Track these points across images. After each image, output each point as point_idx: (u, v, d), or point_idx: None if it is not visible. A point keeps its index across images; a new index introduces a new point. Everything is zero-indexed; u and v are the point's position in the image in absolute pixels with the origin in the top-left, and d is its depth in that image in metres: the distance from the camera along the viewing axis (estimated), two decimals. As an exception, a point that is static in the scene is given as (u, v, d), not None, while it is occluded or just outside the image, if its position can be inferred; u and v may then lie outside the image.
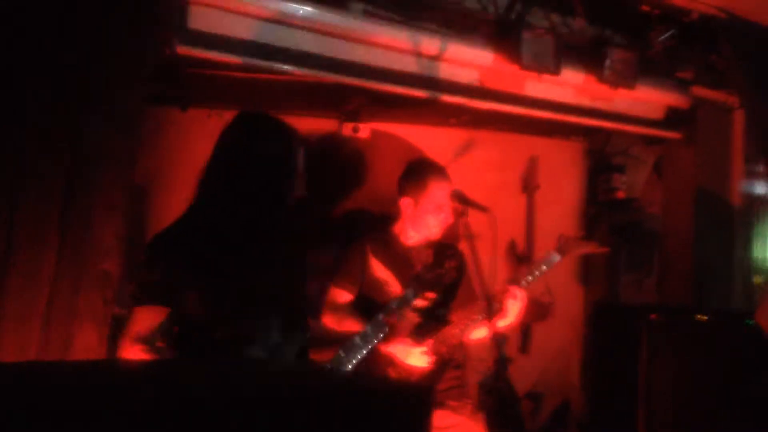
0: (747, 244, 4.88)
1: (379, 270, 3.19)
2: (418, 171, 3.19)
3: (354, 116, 4.17)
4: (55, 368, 1.83)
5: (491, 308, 2.79)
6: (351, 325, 3.06)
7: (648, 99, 4.37)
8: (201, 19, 3.09)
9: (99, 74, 2.57)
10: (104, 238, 2.51)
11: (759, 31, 4.05)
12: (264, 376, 1.74)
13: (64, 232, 2.49)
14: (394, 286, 3.16)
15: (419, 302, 3.15)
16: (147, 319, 2.03)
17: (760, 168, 4.74)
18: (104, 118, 2.61)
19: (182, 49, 3.02)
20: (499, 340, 2.75)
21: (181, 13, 3.01)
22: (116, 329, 2.62)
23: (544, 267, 3.07)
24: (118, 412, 1.26)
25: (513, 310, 2.96)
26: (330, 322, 3.12)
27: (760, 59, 4.12)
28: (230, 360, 2.14)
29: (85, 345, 2.43)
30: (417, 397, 1.67)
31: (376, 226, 3.42)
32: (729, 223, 4.75)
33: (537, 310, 4.72)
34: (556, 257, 3.10)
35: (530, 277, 3.04)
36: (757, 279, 4.94)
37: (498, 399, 3.23)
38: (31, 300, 2.39)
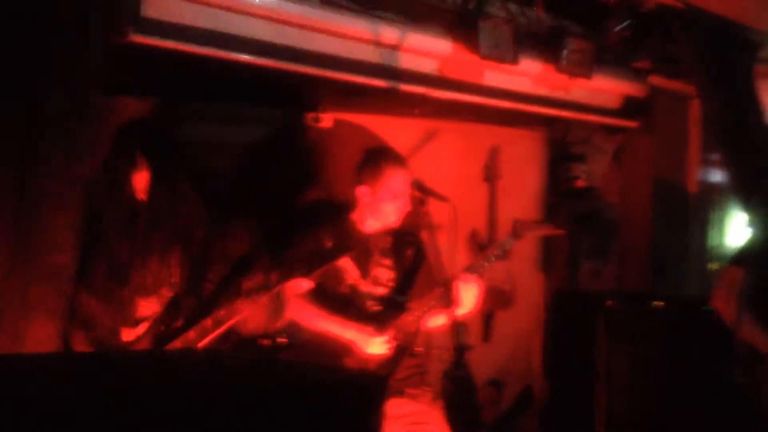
0: (703, 231, 4.98)
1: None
2: (373, 159, 3.19)
3: (315, 106, 4.15)
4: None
5: (449, 296, 2.80)
6: (311, 314, 3.06)
7: (605, 88, 4.43)
8: (156, 7, 3.05)
9: (49, 65, 2.53)
10: (57, 232, 2.48)
11: (714, 20, 4.11)
12: (217, 369, 1.74)
13: (16, 225, 2.45)
14: (352, 273, 3.16)
15: (378, 290, 3.17)
16: None
17: (716, 156, 4.82)
18: (56, 110, 2.56)
19: (137, 38, 2.97)
20: (457, 327, 2.77)
21: (135, 1, 2.96)
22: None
23: (499, 252, 3.10)
24: (69, 403, 1.26)
25: (467, 298, 2.98)
26: (290, 311, 3.11)
27: (716, 48, 4.19)
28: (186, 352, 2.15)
29: (38, 338, 2.40)
30: (369, 387, 1.68)
31: (336, 215, 3.41)
32: (685, 211, 4.84)
33: (498, 298, 4.76)
34: (511, 241, 3.13)
35: (485, 263, 3.06)
36: (713, 265, 5.04)
37: (457, 387, 3.25)
38: (-18, 293, 2.35)
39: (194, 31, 3.15)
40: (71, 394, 1.31)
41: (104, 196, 2.67)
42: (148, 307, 2.67)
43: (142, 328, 2.66)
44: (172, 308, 2.67)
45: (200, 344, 2.64)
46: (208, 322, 2.64)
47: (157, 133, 2.80)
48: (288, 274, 2.70)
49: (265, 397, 1.46)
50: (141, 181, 2.74)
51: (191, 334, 2.64)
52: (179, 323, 2.65)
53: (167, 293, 2.69)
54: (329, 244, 3.09)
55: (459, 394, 3.38)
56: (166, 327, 2.65)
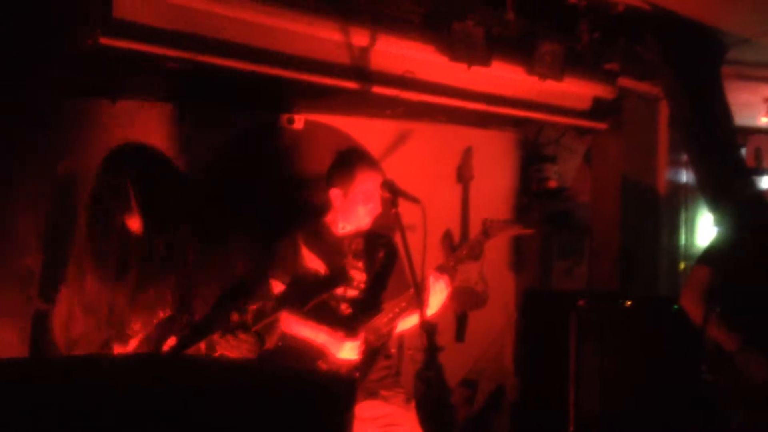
0: (672, 231, 5.05)
1: (310, 260, 3.19)
2: (345, 161, 3.20)
3: (288, 107, 4.15)
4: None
5: (420, 297, 2.82)
6: (283, 317, 3.06)
7: (576, 90, 4.48)
8: (126, 8, 3.03)
9: (19, 69, 2.51)
10: (24, 234, 2.46)
11: (682, 22, 4.16)
12: (185, 373, 1.74)
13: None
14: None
15: (351, 292, 3.18)
16: None
17: (685, 157, 4.89)
18: (27, 114, 2.54)
19: (106, 40, 2.95)
20: (428, 328, 2.78)
21: (105, 2, 2.94)
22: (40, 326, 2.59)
23: (469, 251, 3.12)
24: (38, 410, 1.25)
25: (435, 298, 2.99)
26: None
27: (683, 50, 4.24)
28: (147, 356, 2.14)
29: (4, 343, 2.37)
30: (339, 390, 1.68)
31: (308, 217, 3.42)
32: (655, 211, 4.91)
33: (471, 299, 4.79)
34: (482, 240, 3.15)
35: (456, 263, 3.07)
36: (683, 264, 5.12)
37: (429, 387, 3.27)
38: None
39: (166, 33, 3.14)
40: (41, 400, 1.31)
41: (95, 227, 2.58)
42: (141, 325, 2.64)
43: (132, 345, 2.63)
44: (165, 326, 2.64)
45: None
46: (203, 345, 2.62)
47: (152, 159, 2.64)
48: (282, 305, 2.71)
49: (234, 400, 1.46)
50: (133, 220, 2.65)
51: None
52: (171, 340, 2.62)
53: (162, 313, 2.66)
54: (323, 273, 3.11)
55: (431, 395, 3.39)
56: (157, 344, 2.62)
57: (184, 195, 2.62)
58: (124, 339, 2.62)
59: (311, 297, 3.12)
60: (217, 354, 2.61)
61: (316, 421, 1.54)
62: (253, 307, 2.64)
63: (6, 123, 2.50)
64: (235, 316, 2.61)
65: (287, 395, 1.55)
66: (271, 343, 2.83)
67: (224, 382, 1.58)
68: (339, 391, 1.65)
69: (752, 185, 4.53)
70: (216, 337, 2.60)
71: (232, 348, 2.61)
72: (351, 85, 3.69)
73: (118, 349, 2.63)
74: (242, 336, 2.59)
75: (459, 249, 3.19)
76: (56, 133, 2.67)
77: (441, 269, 3.04)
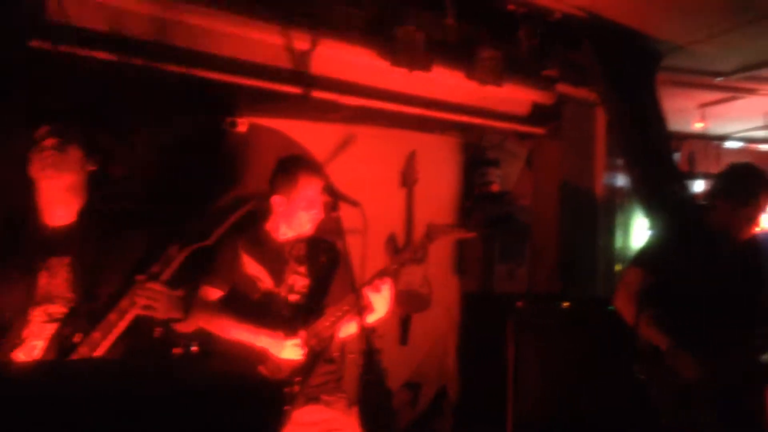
0: (609, 233, 5.16)
1: (251, 266, 3.17)
2: (287, 168, 3.19)
3: (232, 110, 4.13)
4: None
5: (360, 302, 2.83)
6: (222, 322, 3.04)
7: (515, 96, 4.56)
8: (60, 12, 2.98)
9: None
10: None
11: (617, 29, 4.26)
12: (112, 377, 1.72)
13: None
14: (266, 281, 3.16)
15: (293, 297, 3.18)
16: None
17: (621, 161, 5.00)
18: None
19: (38, 44, 2.91)
20: (367, 332, 2.80)
21: (38, 4, 2.90)
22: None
23: (411, 255, 3.14)
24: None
25: (379, 302, 3.02)
26: (200, 320, 3.09)
27: (618, 56, 4.35)
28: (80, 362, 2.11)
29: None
30: (268, 394, 1.69)
31: (249, 223, 3.41)
32: (593, 214, 5.01)
33: (415, 302, 4.83)
34: (425, 244, 3.18)
35: (398, 267, 3.10)
36: (619, 266, 5.24)
37: (369, 391, 3.29)
38: None
39: (102, 37, 3.11)
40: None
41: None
42: (40, 324, 2.61)
43: (33, 348, 2.59)
44: (69, 321, 2.61)
45: (107, 341, 2.60)
46: (113, 316, 2.60)
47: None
48: (187, 243, 2.66)
49: (159, 404, 1.46)
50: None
51: (96, 334, 2.59)
52: (80, 334, 2.60)
53: (60, 308, 2.63)
54: (264, 279, 3.10)
55: (372, 399, 3.41)
56: (66, 339, 2.59)
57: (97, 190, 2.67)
58: (19, 342, 2.59)
59: (251, 303, 3.12)
60: (130, 316, 2.60)
61: (246, 426, 1.55)
62: (156, 268, 2.63)
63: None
64: (139, 277, 2.60)
65: (215, 399, 1.55)
66: (191, 322, 2.83)
67: (149, 387, 1.57)
68: (269, 395, 1.65)
69: (685, 189, 4.66)
70: (125, 303, 2.59)
71: (148, 305, 2.60)
72: (292, 89, 3.70)
73: (18, 355, 2.60)
74: (154, 287, 2.60)
75: (402, 252, 3.22)
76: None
77: (384, 273, 3.06)
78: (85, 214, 2.72)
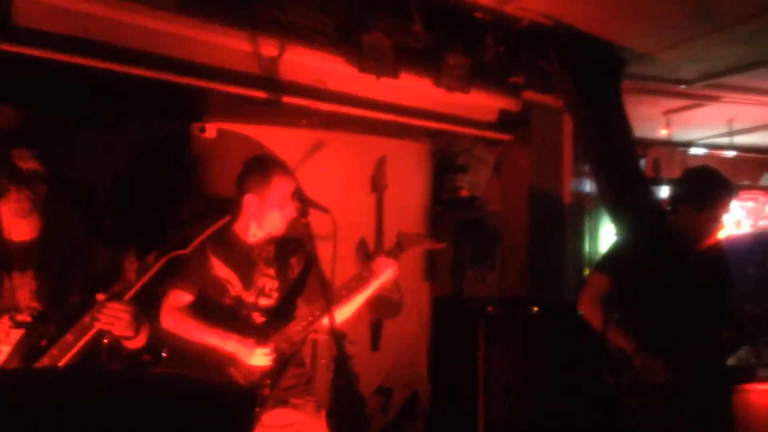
0: (577, 238, 5.22)
1: (220, 269, 3.16)
2: (261, 166, 3.18)
3: (200, 116, 4.12)
4: None
5: (330, 305, 2.83)
6: (190, 327, 3.03)
7: (482, 103, 4.60)
8: (27, 15, 2.97)
9: None
10: None
11: (582, 37, 4.32)
12: (80, 385, 1.71)
13: None
14: (235, 284, 3.15)
15: (263, 301, 3.17)
16: None
17: (588, 167, 5.06)
18: None
19: (6, 46, 2.89)
20: (337, 337, 2.80)
21: (4, 9, 2.88)
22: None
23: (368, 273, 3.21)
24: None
25: (385, 272, 3.14)
26: (169, 324, 3.07)
27: (582, 64, 4.40)
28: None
29: None
30: (239, 399, 1.69)
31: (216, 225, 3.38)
32: (561, 220, 5.06)
33: (387, 307, 4.83)
34: (396, 252, 3.22)
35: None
36: (587, 271, 5.29)
37: (340, 396, 3.28)
38: None
39: (68, 40, 3.09)
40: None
41: None
42: (6, 329, 2.59)
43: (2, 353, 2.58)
44: (36, 327, 2.60)
45: (63, 360, 2.58)
46: (69, 337, 2.58)
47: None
48: (165, 252, 2.63)
49: (129, 410, 1.45)
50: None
51: (54, 351, 2.57)
52: (42, 344, 2.58)
53: (25, 317, 2.61)
54: (232, 281, 3.09)
55: (344, 404, 3.41)
56: (29, 350, 2.57)
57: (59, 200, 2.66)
58: None
59: (220, 307, 3.10)
60: (93, 332, 2.58)
61: (217, 430, 1.55)
62: (118, 287, 2.60)
63: None
64: (100, 296, 2.57)
65: (186, 403, 1.55)
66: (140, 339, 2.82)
67: (119, 394, 1.56)
68: (239, 400, 1.65)
69: (650, 195, 4.72)
70: (87, 319, 2.56)
71: (109, 323, 2.57)
72: (261, 94, 3.70)
73: None
74: (115, 306, 2.56)
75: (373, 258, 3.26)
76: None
77: (389, 254, 3.18)
78: (46, 227, 2.71)
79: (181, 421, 1.51)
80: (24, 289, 2.64)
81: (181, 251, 2.65)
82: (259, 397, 2.96)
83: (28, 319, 2.62)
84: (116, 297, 2.58)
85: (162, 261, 2.62)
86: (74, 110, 3.71)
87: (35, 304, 2.63)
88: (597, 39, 4.38)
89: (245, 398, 1.68)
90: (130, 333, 2.69)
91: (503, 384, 4.11)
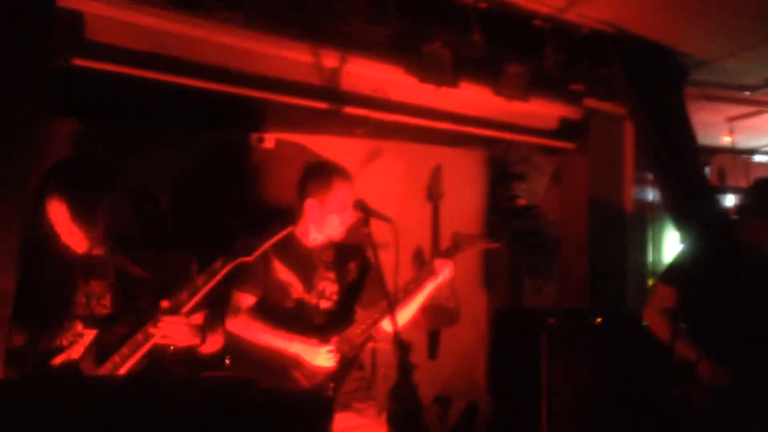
0: (640, 248, 5.12)
1: (282, 272, 3.20)
2: (321, 172, 3.23)
3: (259, 126, 4.18)
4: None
5: (393, 309, 2.84)
6: (255, 329, 3.07)
7: (542, 111, 4.57)
8: (99, 31, 3.06)
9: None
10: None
11: (645, 44, 4.26)
12: (161, 394, 1.74)
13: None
14: (297, 287, 3.19)
15: (324, 303, 3.20)
16: None
17: (650, 175, 4.98)
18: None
19: (79, 61, 2.98)
20: (402, 346, 2.80)
21: (76, 25, 2.97)
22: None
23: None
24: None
25: (442, 273, 3.15)
26: (234, 327, 3.12)
27: (645, 71, 4.34)
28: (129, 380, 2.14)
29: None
30: (317, 406, 1.70)
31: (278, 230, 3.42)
32: (622, 229, 4.98)
33: (444, 316, 4.82)
34: (452, 252, 3.22)
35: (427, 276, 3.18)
36: (651, 281, 5.19)
37: (403, 405, 3.29)
38: None
39: (137, 54, 3.17)
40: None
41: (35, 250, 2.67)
42: (79, 331, 2.68)
43: (72, 354, 2.66)
44: (103, 334, 2.68)
45: (133, 359, 2.65)
46: (139, 336, 2.65)
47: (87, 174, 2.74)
48: (225, 262, 2.70)
49: (213, 418, 1.48)
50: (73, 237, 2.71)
51: (125, 349, 2.65)
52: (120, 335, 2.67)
53: (100, 319, 2.70)
54: (294, 284, 3.12)
55: (406, 413, 3.41)
56: (100, 349, 2.66)
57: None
58: (60, 351, 2.66)
59: (283, 309, 3.13)
60: (150, 344, 2.65)
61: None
62: (182, 294, 2.66)
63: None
64: (164, 303, 2.65)
65: (266, 414, 1.57)
66: (211, 344, 2.85)
67: (204, 402, 1.59)
68: (317, 407, 1.67)
69: (715, 204, 4.62)
70: (149, 329, 2.64)
71: (166, 336, 2.64)
72: (322, 105, 3.74)
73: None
74: (172, 320, 2.63)
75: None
76: (27, 153, 2.66)
77: (445, 254, 3.19)
78: (115, 236, 2.78)
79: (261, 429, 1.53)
80: (97, 297, 2.73)
81: (247, 258, 2.71)
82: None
83: (103, 318, 2.71)
84: (179, 306, 2.65)
85: (228, 267, 2.68)
86: (140, 121, 3.81)
87: (107, 312, 2.71)
88: (659, 45, 4.30)
89: (323, 406, 1.68)
90: (195, 341, 2.75)
91: (566, 396, 4.06)
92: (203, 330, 2.80)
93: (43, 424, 1.38)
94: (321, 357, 3.06)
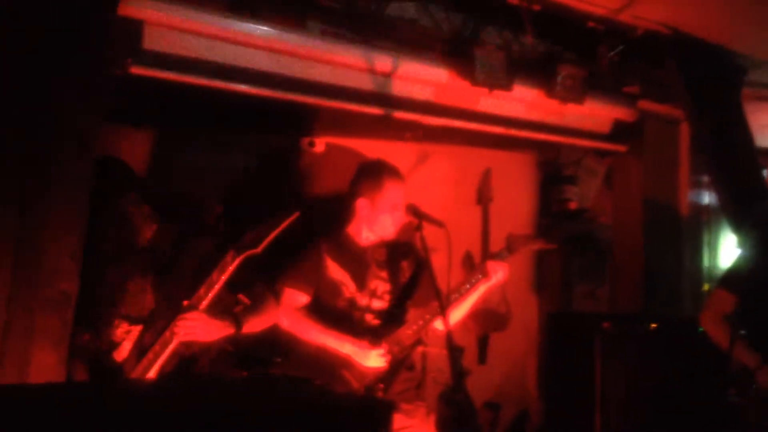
0: (695, 252, 5.03)
1: (334, 270, 3.21)
2: (373, 172, 3.23)
3: (310, 131, 4.21)
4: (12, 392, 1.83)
5: (445, 310, 2.82)
6: (308, 327, 3.08)
7: (596, 113, 4.51)
8: (156, 40, 3.11)
9: (54, 95, 2.57)
10: (60, 259, 2.51)
11: (701, 45, 4.19)
12: (221, 394, 1.76)
13: (18, 254, 2.48)
14: (349, 286, 3.20)
15: (376, 303, 3.20)
16: None
17: (707, 178, 4.88)
18: (58, 139, 2.60)
19: (137, 69, 3.03)
20: (455, 351, 2.79)
21: (136, 34, 3.02)
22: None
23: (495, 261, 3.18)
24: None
25: (495, 275, 3.12)
26: (288, 324, 3.14)
27: (702, 72, 4.26)
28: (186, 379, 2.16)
29: (43, 366, 2.42)
30: (377, 411, 1.70)
31: (330, 228, 3.43)
32: (677, 232, 4.89)
33: (494, 321, 4.79)
34: (505, 254, 3.19)
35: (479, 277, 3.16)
36: (707, 286, 5.09)
37: (456, 412, 3.27)
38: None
39: (192, 63, 3.22)
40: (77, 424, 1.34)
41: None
42: (126, 327, 2.75)
43: (125, 351, 2.74)
44: (148, 326, 2.75)
45: (163, 356, 2.70)
46: (167, 333, 2.71)
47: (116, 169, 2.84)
48: (234, 256, 2.72)
49: (274, 420, 1.49)
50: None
51: (156, 346, 2.72)
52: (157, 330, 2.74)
53: (142, 315, 2.77)
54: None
55: (459, 419, 3.39)
56: (146, 338, 2.73)
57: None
58: (114, 346, 2.73)
59: (335, 308, 3.14)
60: (175, 342, 2.70)
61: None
62: (200, 290, 2.71)
63: (41, 147, 2.55)
64: (185, 301, 2.70)
65: (327, 415, 1.57)
66: (252, 323, 2.88)
67: (266, 405, 1.60)
68: (377, 412, 1.67)
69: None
70: (168, 334, 2.71)
71: (189, 333, 2.69)
72: (374, 110, 3.74)
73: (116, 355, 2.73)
74: (190, 317, 2.68)
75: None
76: (87, 159, 2.72)
77: (499, 256, 3.15)
78: (164, 233, 2.84)
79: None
80: (143, 293, 2.79)
81: (254, 251, 2.73)
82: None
83: (144, 315, 2.77)
84: (197, 302, 2.71)
85: (238, 261, 2.71)
86: (194, 127, 3.86)
87: (151, 305, 2.78)
88: (716, 46, 4.22)
89: (384, 412, 1.68)
90: (227, 332, 2.78)
91: (621, 403, 3.99)
92: (238, 317, 2.84)
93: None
94: (372, 359, 3.06)
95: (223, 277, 2.72)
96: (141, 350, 2.74)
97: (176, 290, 2.81)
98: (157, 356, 2.70)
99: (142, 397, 1.77)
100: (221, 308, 2.81)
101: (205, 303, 2.71)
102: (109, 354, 2.75)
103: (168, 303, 2.80)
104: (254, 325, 2.93)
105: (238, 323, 2.82)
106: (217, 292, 2.73)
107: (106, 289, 2.79)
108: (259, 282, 2.74)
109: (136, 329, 2.77)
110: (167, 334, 2.70)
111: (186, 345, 2.76)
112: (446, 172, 4.75)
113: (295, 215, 2.82)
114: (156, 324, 2.76)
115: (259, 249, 2.74)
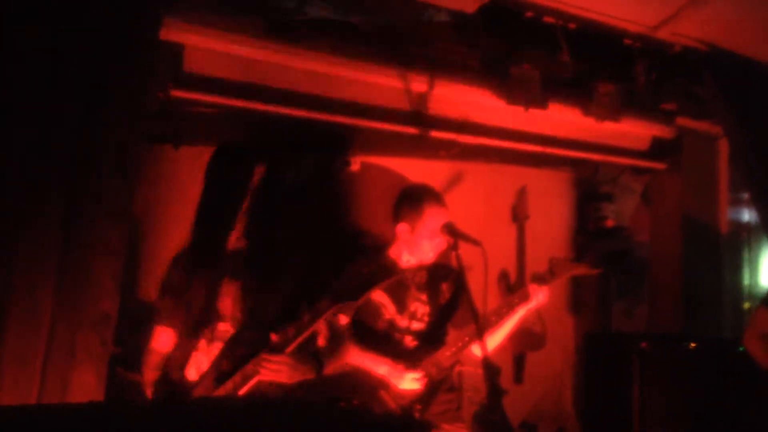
0: (736, 270, 4.95)
1: (375, 293, 3.22)
2: (414, 197, 3.25)
3: (345, 150, 4.23)
4: (53, 411, 1.86)
5: (482, 332, 2.81)
6: (347, 348, 3.09)
7: (633, 131, 4.47)
8: (196, 62, 3.16)
9: (96, 118, 2.62)
10: (102, 280, 2.55)
11: (739, 60, 4.14)
12: (272, 412, 1.77)
13: (61, 274, 2.52)
14: (389, 308, 3.21)
15: (415, 325, 3.20)
16: None
17: (747, 195, 4.81)
18: (101, 161, 2.65)
19: (177, 92, 3.09)
20: (492, 371, 2.78)
21: (176, 57, 3.08)
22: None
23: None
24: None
25: (536, 298, 3.16)
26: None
27: (741, 88, 4.21)
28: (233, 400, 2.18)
29: (83, 386, 2.45)
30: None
31: (372, 250, 3.45)
32: (717, 250, 4.82)
33: (530, 340, 4.74)
34: (548, 278, 3.18)
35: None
36: (747, 305, 5.00)
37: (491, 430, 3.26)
38: (30, 342, 2.41)
39: (232, 84, 3.26)
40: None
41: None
42: (208, 343, 2.77)
43: (199, 367, 2.75)
44: (229, 347, 2.75)
45: (243, 389, 2.69)
46: (249, 367, 2.69)
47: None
48: (330, 305, 2.70)
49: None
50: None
51: (237, 377, 2.71)
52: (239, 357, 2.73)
53: (227, 327, 2.77)
54: (367, 270, 3.12)
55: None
56: (227, 363, 2.73)
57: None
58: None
59: (374, 330, 3.15)
60: (256, 379, 2.69)
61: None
62: (291, 329, 2.70)
63: (85, 170, 2.60)
64: (273, 336, 2.69)
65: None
66: (332, 366, 2.88)
67: (303, 426, 1.61)
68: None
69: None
70: (249, 368, 2.69)
71: (271, 376, 2.68)
72: (410, 130, 3.76)
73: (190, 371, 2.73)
74: (276, 359, 2.68)
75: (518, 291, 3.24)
76: (129, 181, 2.76)
77: (541, 280, 3.20)
78: (253, 239, 2.86)
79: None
80: (229, 297, 2.80)
81: (353, 303, 2.72)
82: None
83: (230, 329, 2.76)
84: (285, 344, 2.69)
85: (332, 310, 2.70)
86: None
87: (238, 314, 2.78)
88: (755, 62, 4.17)
89: (420, 431, 1.68)
90: (307, 376, 2.77)
91: (659, 424, 3.94)
92: (321, 359, 2.83)
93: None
94: (407, 382, 3.07)
95: (315, 324, 2.71)
96: (219, 375, 2.74)
97: (263, 308, 2.83)
98: (237, 387, 2.69)
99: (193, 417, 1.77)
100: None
101: (292, 347, 2.70)
102: (181, 370, 2.76)
103: (251, 322, 2.80)
104: (333, 369, 2.94)
105: (320, 368, 2.83)
106: (305, 337, 2.72)
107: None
108: (306, 313, 2.72)
109: (216, 347, 2.77)
110: (249, 367, 2.69)
111: (268, 382, 2.75)
112: (481, 190, 4.73)
113: (399, 276, 2.91)
114: (235, 351, 2.77)
115: (360, 301, 2.74)
